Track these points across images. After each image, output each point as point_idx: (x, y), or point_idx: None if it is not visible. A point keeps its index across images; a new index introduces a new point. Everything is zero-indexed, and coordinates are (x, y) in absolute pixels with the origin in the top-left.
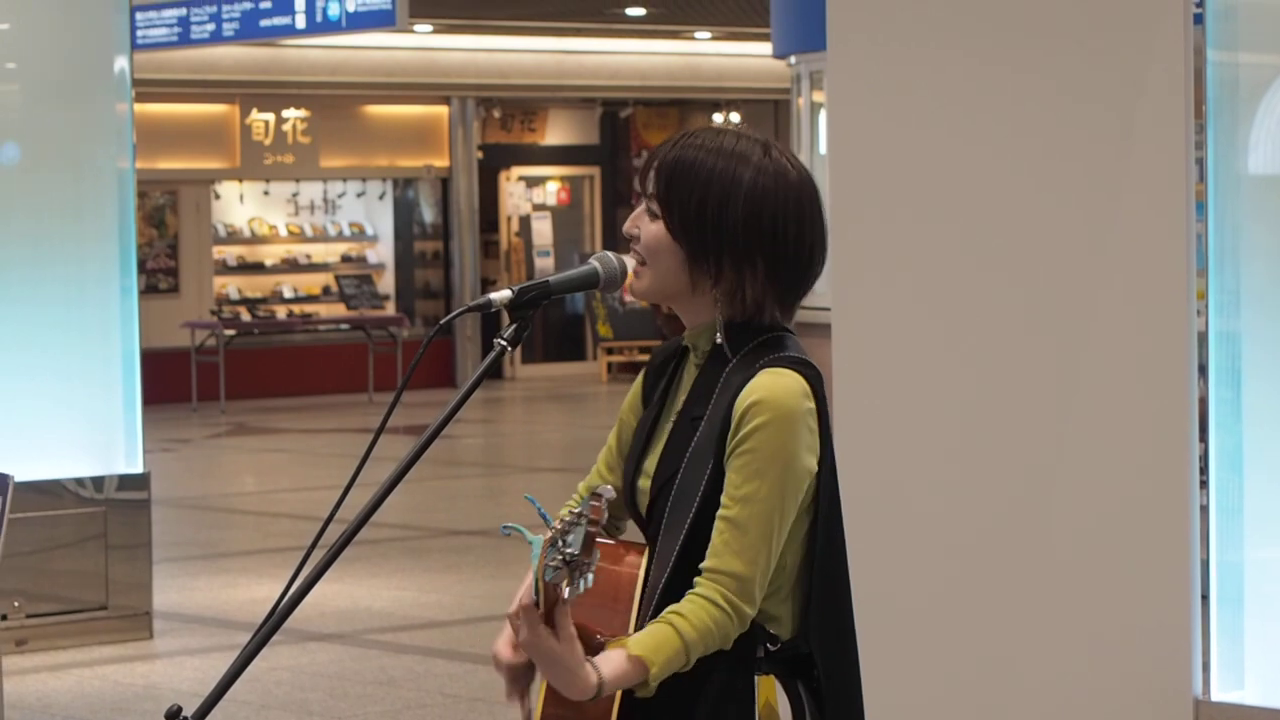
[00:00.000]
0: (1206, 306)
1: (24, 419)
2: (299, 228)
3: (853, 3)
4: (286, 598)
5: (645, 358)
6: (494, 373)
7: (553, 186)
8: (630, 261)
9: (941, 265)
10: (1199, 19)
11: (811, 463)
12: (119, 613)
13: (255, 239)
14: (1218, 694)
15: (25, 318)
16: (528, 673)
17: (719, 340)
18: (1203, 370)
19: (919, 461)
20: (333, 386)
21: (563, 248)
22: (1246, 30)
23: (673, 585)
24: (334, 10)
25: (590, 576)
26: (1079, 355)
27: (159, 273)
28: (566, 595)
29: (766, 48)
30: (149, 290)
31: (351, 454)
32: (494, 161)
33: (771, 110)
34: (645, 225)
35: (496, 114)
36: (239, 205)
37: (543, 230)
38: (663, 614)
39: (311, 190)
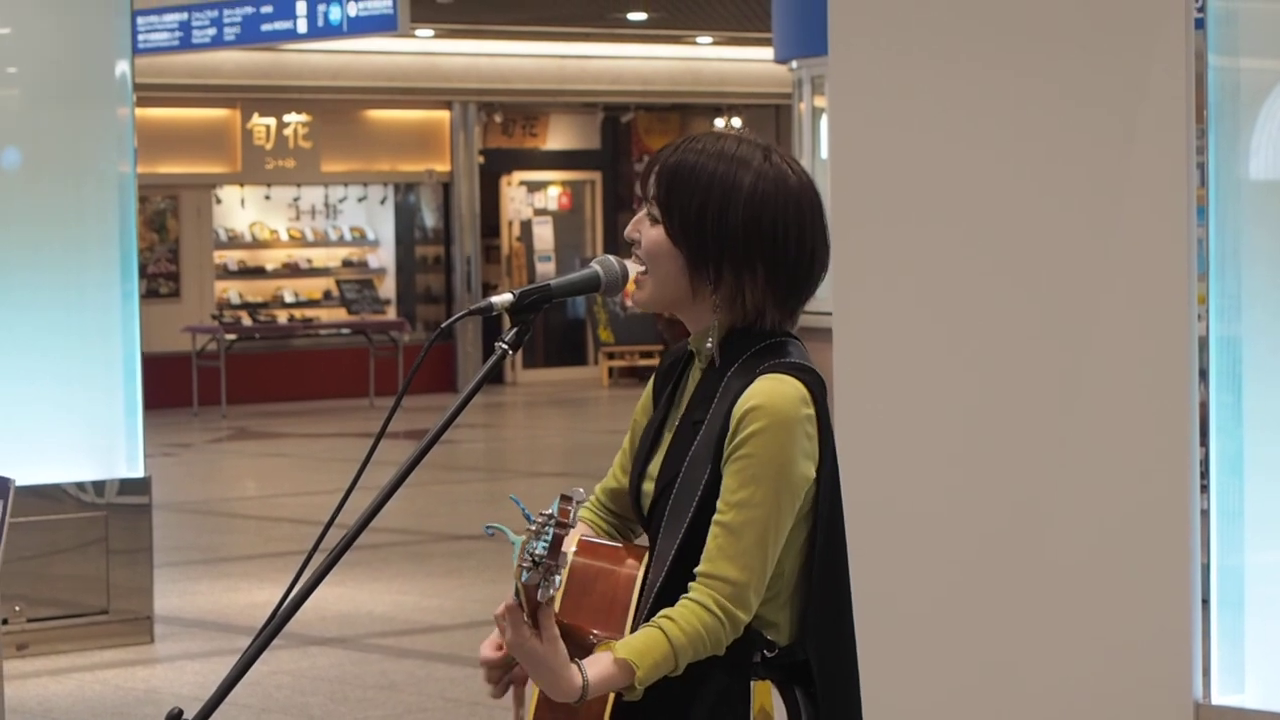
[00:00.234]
0: (1207, 311)
1: (25, 423)
2: (300, 232)
3: (854, 7)
4: (287, 602)
5: (646, 362)
6: (495, 377)
7: (554, 191)
8: (633, 268)
9: (943, 269)
10: (1200, 24)
11: (809, 470)
12: (120, 617)
13: (256, 243)
14: (1218, 697)
15: (26, 322)
16: (508, 669)
17: (709, 344)
18: (1204, 375)
19: (920, 466)
20: (334, 391)
21: (564, 252)
22: (1247, 35)
23: (668, 588)
24: (335, 15)
25: (558, 578)
26: (1080, 359)
27: (160, 277)
28: (539, 597)
29: (768, 52)
30: (150, 295)
31: (352, 458)
32: (495, 166)
33: (773, 115)
34: (646, 230)
35: (498, 119)
36: (240, 210)
37: (544, 235)
38: (654, 618)
39: (313, 195)
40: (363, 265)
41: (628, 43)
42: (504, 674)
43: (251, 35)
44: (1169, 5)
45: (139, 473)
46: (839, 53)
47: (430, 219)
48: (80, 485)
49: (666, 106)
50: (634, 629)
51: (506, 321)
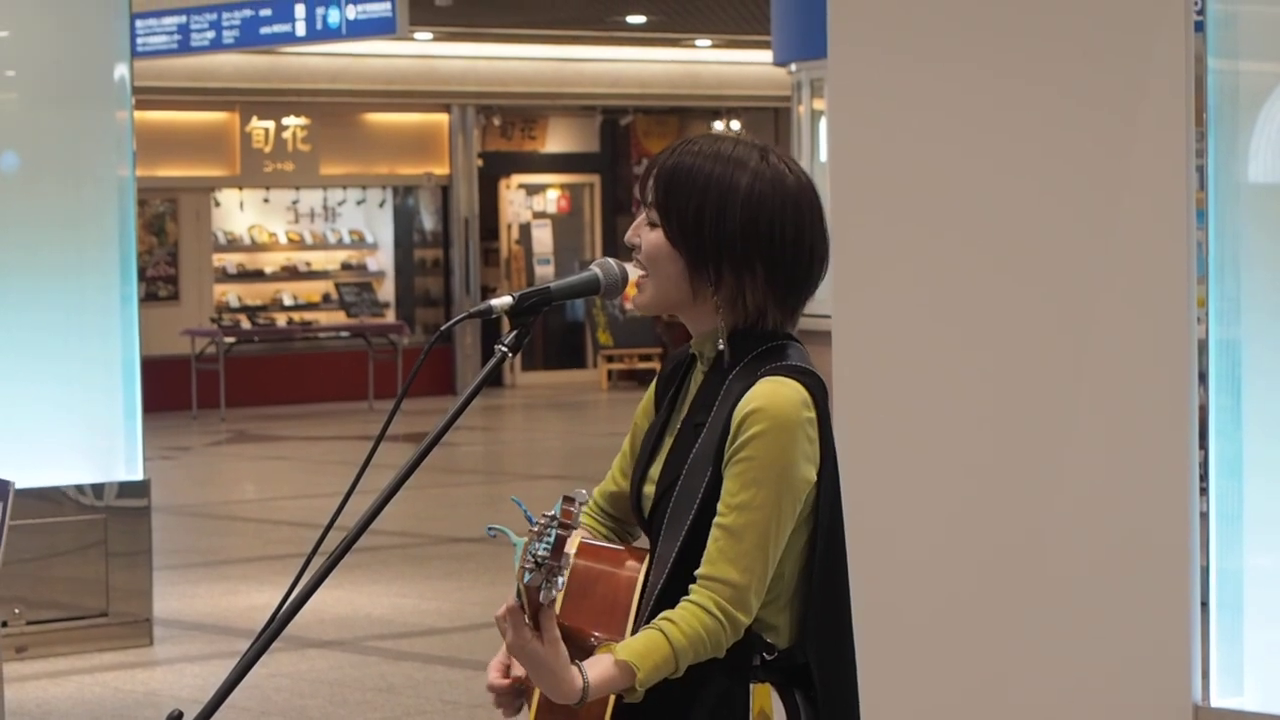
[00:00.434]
0: (1207, 314)
1: (24, 426)
2: (299, 235)
3: (854, 10)
4: (287, 605)
5: (645, 365)
6: (494, 380)
7: (553, 194)
8: (634, 272)
9: (942, 272)
10: (1199, 26)
11: (810, 473)
12: (119, 619)
13: (255, 246)
14: (1217, 700)
15: (25, 325)
16: (516, 697)
17: (720, 347)
18: (1203, 377)
19: (919, 469)
20: (333, 394)
21: (563, 255)
22: (1247, 38)
23: (669, 590)
24: (334, 18)
25: (561, 580)
26: (1079, 362)
27: (159, 280)
28: (541, 598)
29: (767, 55)
30: (149, 298)
31: (351, 461)
32: (494, 169)
33: (772, 118)
34: (646, 234)
35: (496, 122)
36: (239, 213)
37: (543, 238)
38: (654, 620)
39: (311, 198)
40: (361, 268)
41: (626, 46)
42: (516, 700)
43: (250, 38)
44: (1168, 8)
45: (138, 475)
46: (838, 56)
47: (429, 222)
48: (79, 488)
49: (665, 109)
50: (634, 631)
51: (506, 324)
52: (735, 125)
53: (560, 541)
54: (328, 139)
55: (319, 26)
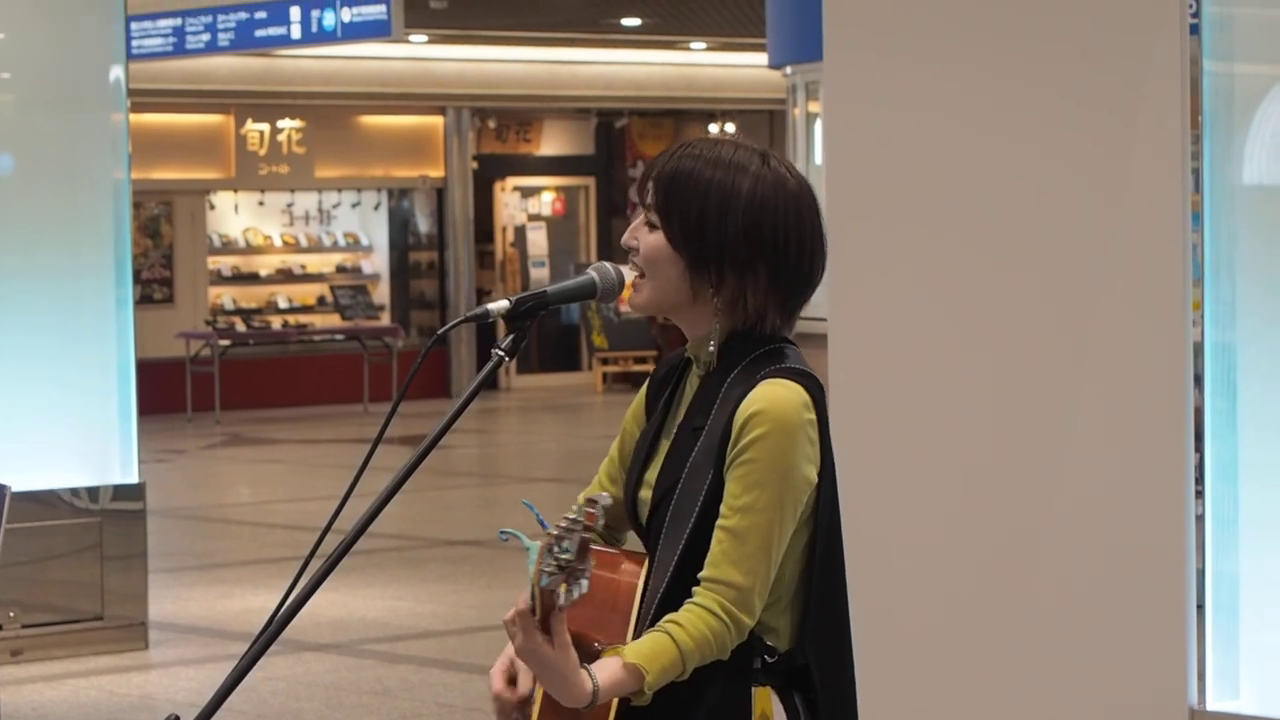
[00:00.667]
0: (1202, 317)
1: (19, 429)
2: (294, 238)
3: (849, 14)
4: (284, 608)
5: (640, 368)
6: (489, 383)
7: (548, 197)
8: (629, 274)
9: (938, 274)
10: (1195, 29)
11: (811, 474)
12: (114, 623)
13: (250, 249)
14: (1213, 703)
15: (20, 328)
16: (519, 708)
17: (712, 348)
18: (1198, 380)
19: (915, 472)
20: (328, 397)
21: (558, 258)
22: (1242, 41)
23: (671, 594)
24: (329, 20)
25: (585, 582)
26: (1075, 365)
27: (154, 283)
28: (562, 601)
29: (762, 58)
30: (144, 300)
31: (347, 464)
32: (489, 172)
33: (766, 121)
34: (644, 236)
35: (491, 124)
36: (234, 215)
37: (538, 241)
38: (660, 623)
39: (306, 200)
40: (356, 271)
41: (621, 48)
42: (522, 710)
43: (245, 41)
44: (1164, 11)
45: (133, 478)
46: (834, 58)
47: (424, 225)
48: (75, 491)
49: (660, 112)
50: (635, 637)
51: (502, 328)
52: (730, 128)
53: (584, 544)
54: (323, 141)
55: (314, 29)
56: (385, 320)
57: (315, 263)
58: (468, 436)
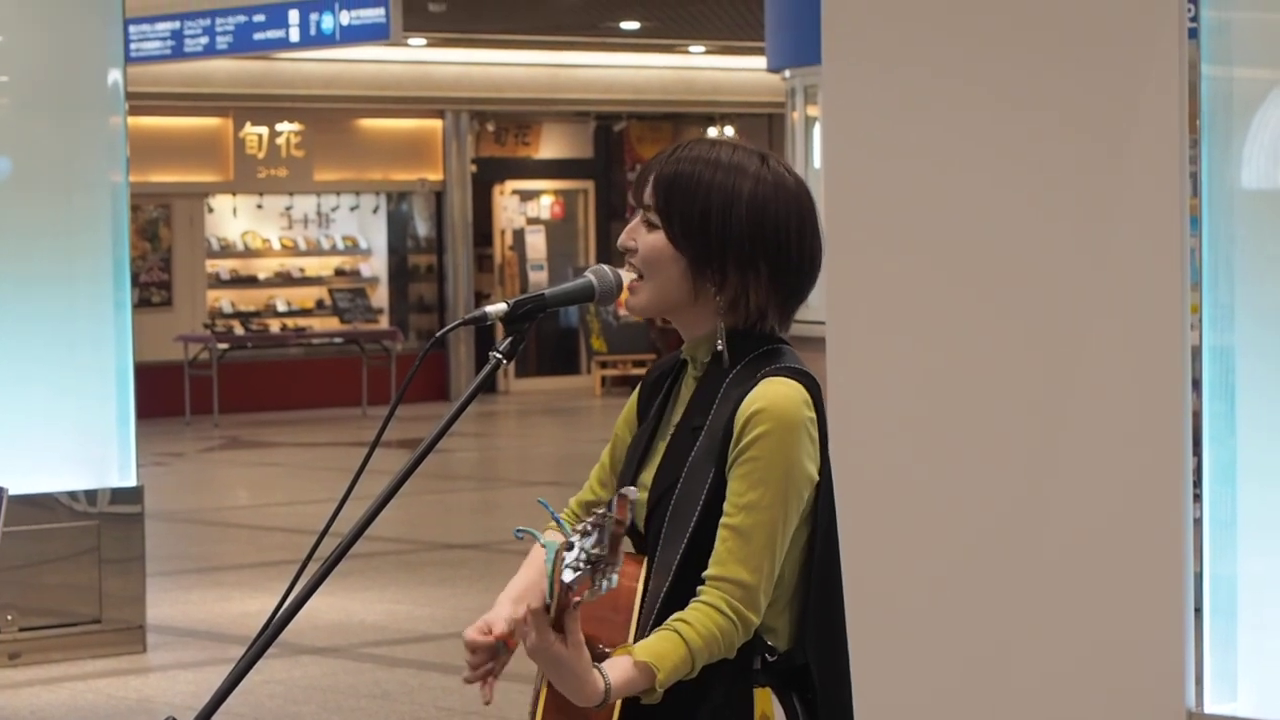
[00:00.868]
0: (1200, 320)
1: (17, 432)
2: (292, 241)
3: (848, 18)
4: (282, 611)
5: (639, 371)
6: (487, 386)
7: (546, 200)
8: (626, 276)
9: (936, 278)
10: (1193, 33)
11: (813, 471)
12: (112, 626)
13: (248, 252)
14: (1211, 706)
15: (18, 331)
16: (492, 657)
17: (720, 348)
18: (1196, 384)
19: (913, 475)
20: (326, 400)
21: (556, 261)
22: (1240, 45)
23: (674, 595)
24: (328, 24)
25: (615, 577)
26: (1073, 369)
27: (152, 286)
28: (588, 596)
29: (761, 62)
30: (142, 304)
31: (344, 467)
32: (488, 175)
33: (765, 124)
34: (643, 237)
35: (490, 127)
36: (232, 219)
37: (536, 244)
38: (667, 621)
39: (305, 204)
40: (355, 274)
41: (620, 52)
42: (488, 660)
43: (244, 44)
44: (1162, 15)
45: (131, 482)
46: (832, 63)
47: (423, 228)
48: (73, 494)
49: (659, 115)
50: (638, 638)
51: (500, 331)
52: (729, 131)
53: (616, 538)
54: (321, 145)
55: (313, 32)
56: (384, 323)
57: (314, 266)
58: (466, 440)
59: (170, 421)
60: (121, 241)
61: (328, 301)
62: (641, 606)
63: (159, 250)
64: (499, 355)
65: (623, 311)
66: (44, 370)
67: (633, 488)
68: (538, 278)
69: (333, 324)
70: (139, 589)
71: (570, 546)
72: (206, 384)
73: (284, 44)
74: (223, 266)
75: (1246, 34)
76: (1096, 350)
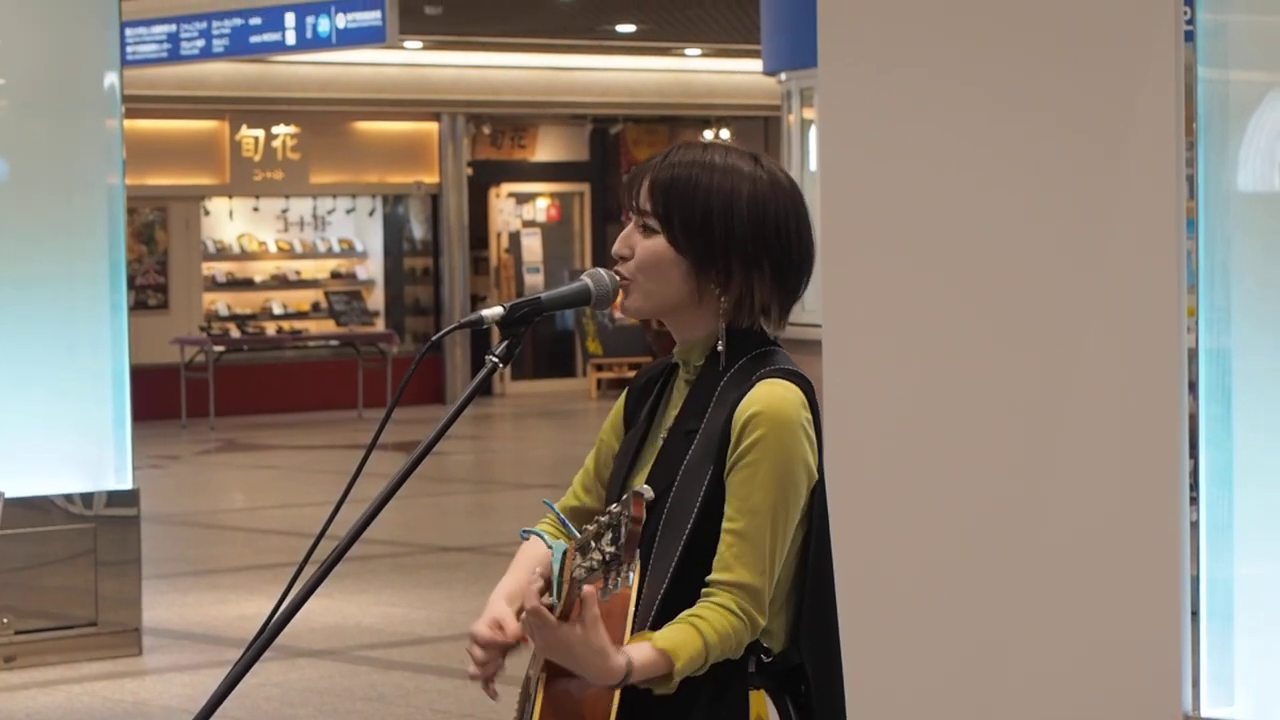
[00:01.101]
0: (1197, 323)
1: (13, 435)
2: (288, 244)
3: (844, 21)
4: (278, 614)
5: (635, 374)
6: (483, 389)
7: (542, 203)
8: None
9: (933, 280)
10: (1190, 36)
11: (811, 472)
12: (108, 629)
13: (245, 255)
14: (1207, 709)
15: (15, 334)
16: (499, 654)
17: (719, 348)
18: (1193, 387)
19: (910, 477)
20: (322, 403)
21: (552, 264)
22: (1236, 47)
23: (671, 598)
24: (324, 27)
25: (631, 576)
26: (1069, 371)
27: (148, 289)
28: (600, 596)
29: (757, 64)
30: (138, 306)
31: (341, 470)
32: (484, 178)
33: (761, 127)
34: (640, 242)
35: (486, 130)
36: (228, 221)
37: (532, 247)
38: (682, 615)
39: (301, 206)
40: (351, 277)
41: (616, 54)
42: (498, 657)
43: (240, 47)
44: (1158, 18)
45: (127, 484)
46: (828, 66)
47: (419, 231)
48: (69, 497)
49: (655, 118)
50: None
51: (496, 334)
52: (725, 134)
53: (633, 536)
54: (317, 148)
55: (309, 35)
56: (380, 326)
57: (310, 269)
58: (462, 443)
59: (166, 424)
60: (118, 244)
61: (324, 304)
62: (636, 610)
63: (155, 253)
64: (495, 359)
65: (619, 314)
66: (40, 373)
67: (647, 487)
68: (533, 280)
69: (329, 327)
70: (135, 592)
71: (583, 548)
72: (202, 387)
73: (280, 47)
74: (219, 269)
75: (1243, 37)
76: (1093, 352)
